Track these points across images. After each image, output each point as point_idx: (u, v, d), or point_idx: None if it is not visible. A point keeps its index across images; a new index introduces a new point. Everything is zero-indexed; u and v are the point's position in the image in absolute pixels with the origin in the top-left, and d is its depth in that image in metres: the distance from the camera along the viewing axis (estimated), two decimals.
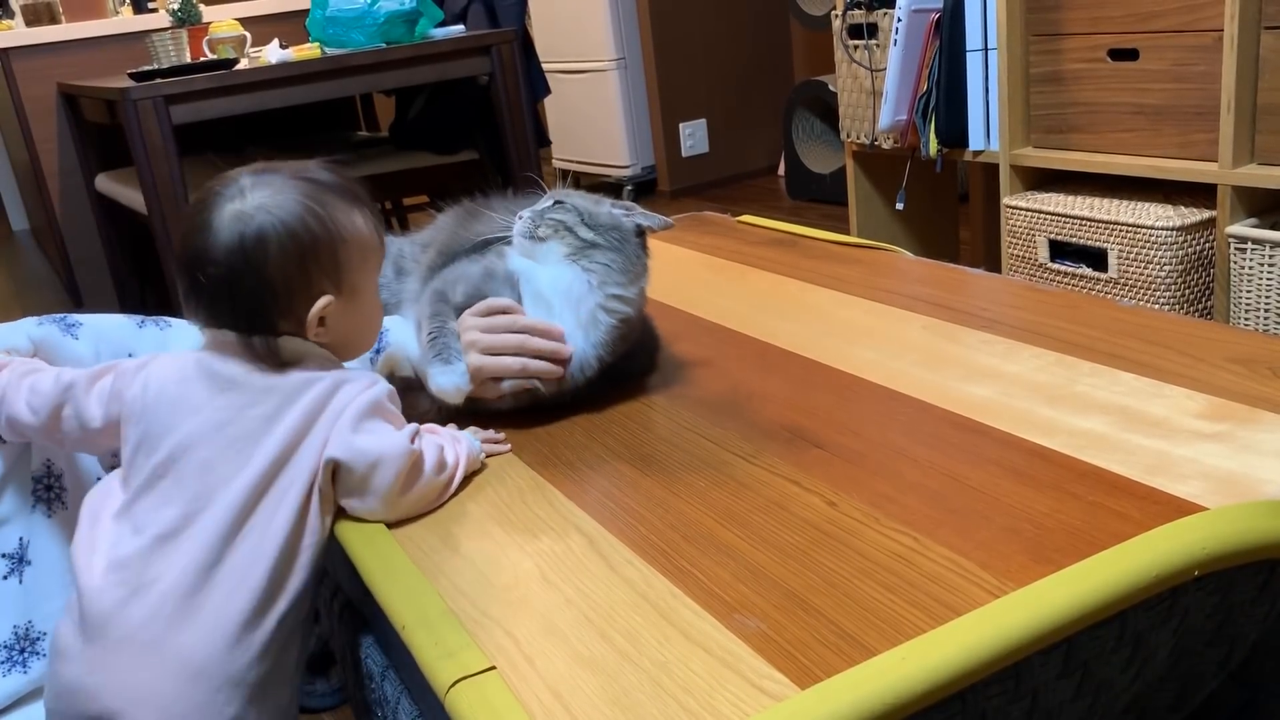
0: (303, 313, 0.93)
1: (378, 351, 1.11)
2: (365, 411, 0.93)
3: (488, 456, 1.03)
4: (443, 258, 1.21)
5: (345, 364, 1.00)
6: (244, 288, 0.91)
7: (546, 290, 1.08)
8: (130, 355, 1.15)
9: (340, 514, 0.95)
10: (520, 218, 1.10)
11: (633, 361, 1.17)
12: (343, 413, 0.92)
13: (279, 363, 0.94)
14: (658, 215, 1.12)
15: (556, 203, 1.10)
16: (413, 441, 0.93)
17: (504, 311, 1.09)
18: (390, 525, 0.93)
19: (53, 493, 1.12)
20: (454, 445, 0.99)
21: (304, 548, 0.91)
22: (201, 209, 0.93)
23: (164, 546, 0.88)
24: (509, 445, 1.05)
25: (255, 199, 0.92)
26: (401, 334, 1.13)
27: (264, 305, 0.92)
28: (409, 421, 0.98)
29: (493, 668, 0.72)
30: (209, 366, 0.94)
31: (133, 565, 0.88)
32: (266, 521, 0.89)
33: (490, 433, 1.06)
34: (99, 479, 1.13)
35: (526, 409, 1.11)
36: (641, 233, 1.11)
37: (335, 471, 0.92)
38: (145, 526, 0.90)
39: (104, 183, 3.07)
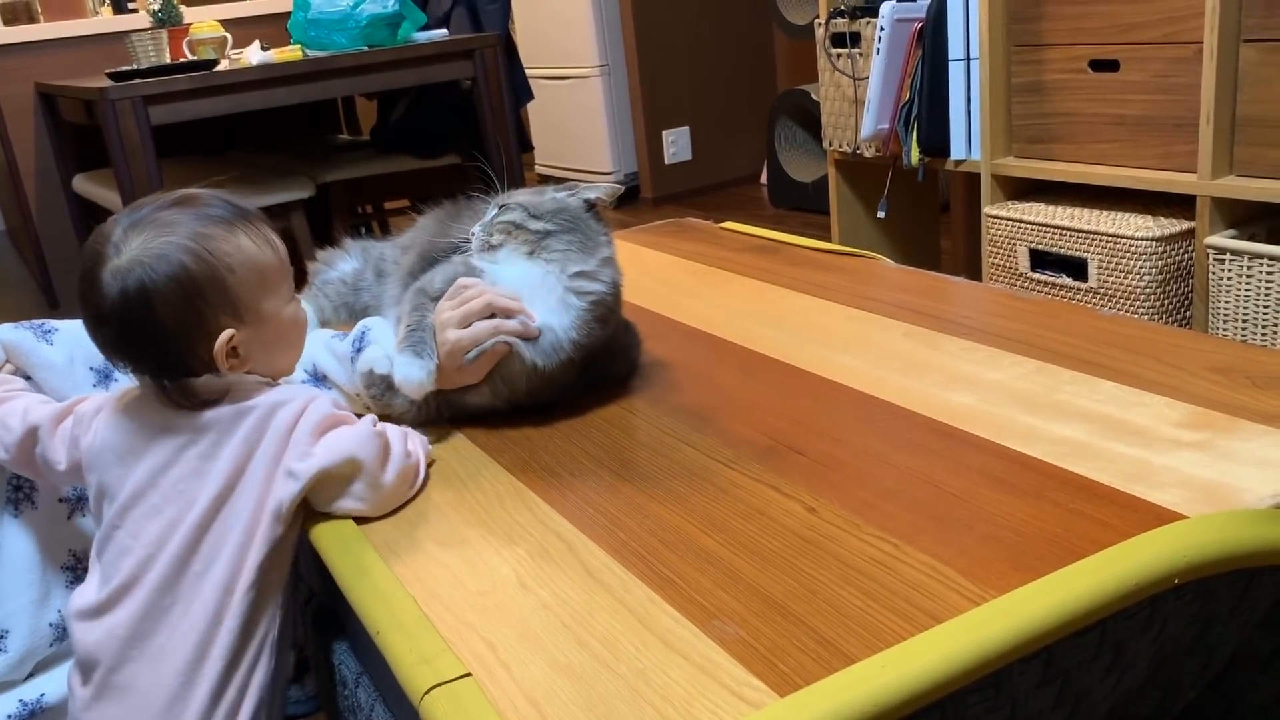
0: (207, 352, 0.92)
1: (358, 351, 1.10)
2: (317, 428, 0.93)
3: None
4: (423, 261, 1.20)
5: (286, 379, 1.00)
6: (140, 341, 0.92)
7: (514, 290, 1.07)
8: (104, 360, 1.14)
9: (310, 519, 0.94)
10: (473, 234, 1.10)
11: (614, 365, 1.16)
12: (291, 439, 0.92)
13: (199, 403, 0.93)
14: (602, 185, 1.12)
15: (501, 207, 1.10)
16: (374, 426, 0.95)
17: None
18: (364, 528, 0.92)
19: (21, 493, 1.11)
20: (409, 437, 1.00)
21: (254, 578, 0.90)
22: (86, 267, 0.92)
23: (123, 596, 0.91)
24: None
25: (129, 253, 0.90)
26: (382, 333, 1.12)
27: (166, 352, 0.92)
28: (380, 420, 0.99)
29: (468, 674, 0.71)
30: (143, 412, 0.95)
31: (101, 614, 0.91)
32: (210, 558, 0.90)
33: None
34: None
35: (505, 410, 1.10)
36: (591, 206, 1.11)
37: (312, 493, 0.93)
38: (110, 577, 0.92)
39: (81, 184, 3.04)
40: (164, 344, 0.91)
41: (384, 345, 1.10)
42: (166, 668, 0.89)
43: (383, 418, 1.07)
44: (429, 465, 1.02)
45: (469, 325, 1.04)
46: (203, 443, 0.92)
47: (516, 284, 1.07)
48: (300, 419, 0.93)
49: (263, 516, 0.91)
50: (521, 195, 1.12)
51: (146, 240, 0.90)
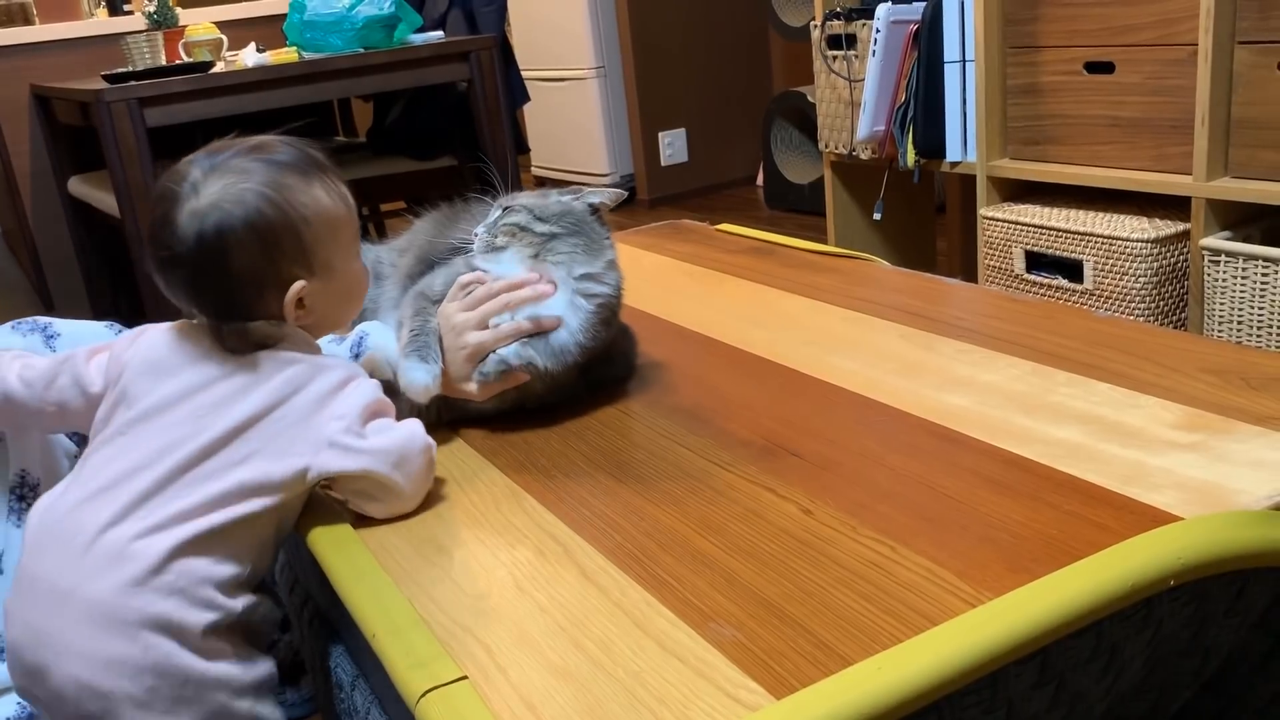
0: (276, 301, 0.92)
1: (356, 356, 1.10)
2: (368, 409, 0.93)
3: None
4: (421, 264, 1.20)
5: (320, 339, 1.00)
6: (211, 285, 0.91)
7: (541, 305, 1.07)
8: None
9: (306, 521, 0.94)
10: (476, 235, 1.10)
11: (611, 367, 1.17)
12: (330, 408, 0.91)
13: (250, 346, 0.93)
14: (606, 190, 1.12)
15: (505, 209, 1.10)
16: (424, 433, 0.95)
17: (477, 284, 1.09)
18: (360, 531, 0.92)
19: (25, 503, 1.10)
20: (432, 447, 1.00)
21: (246, 518, 0.88)
22: (160, 205, 0.91)
23: (96, 499, 0.87)
24: None
25: (209, 195, 0.90)
26: (381, 338, 1.12)
27: (234, 298, 0.92)
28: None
29: (464, 677, 0.71)
30: (191, 337, 0.94)
31: (60, 519, 0.88)
32: (201, 483, 0.87)
33: None
34: None
35: (509, 411, 1.10)
36: (595, 210, 1.12)
37: (345, 479, 0.92)
38: (89, 480, 0.89)
39: (77, 185, 3.04)
40: (233, 289, 0.91)
41: (384, 349, 1.10)
42: (115, 576, 0.84)
43: None
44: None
45: (486, 326, 1.05)
46: (237, 379, 0.91)
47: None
48: (344, 390, 0.92)
49: (274, 468, 0.89)
50: (525, 198, 1.12)
51: (227, 185, 0.90)
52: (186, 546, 0.86)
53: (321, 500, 0.98)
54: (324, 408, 0.91)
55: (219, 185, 0.90)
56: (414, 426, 0.95)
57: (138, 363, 0.94)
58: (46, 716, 0.89)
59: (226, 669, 0.87)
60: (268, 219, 0.90)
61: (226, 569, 0.88)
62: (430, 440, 0.96)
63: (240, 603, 0.89)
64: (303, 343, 0.96)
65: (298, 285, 0.92)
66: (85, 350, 1.00)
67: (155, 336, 0.96)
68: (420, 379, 1.03)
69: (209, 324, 0.93)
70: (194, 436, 0.89)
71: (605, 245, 1.11)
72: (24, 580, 0.88)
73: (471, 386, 1.07)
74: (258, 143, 0.95)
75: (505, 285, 1.06)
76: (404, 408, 1.08)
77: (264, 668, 0.91)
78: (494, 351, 1.05)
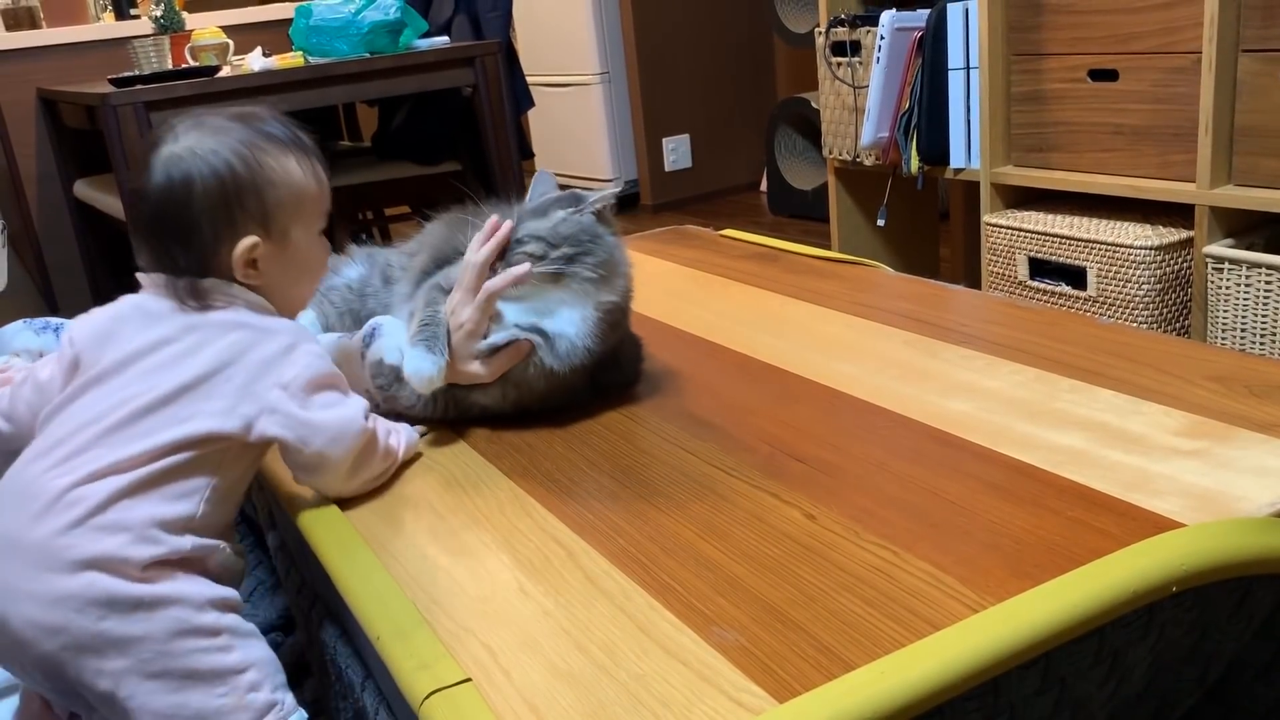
0: (229, 254, 0.95)
1: (368, 347, 1.11)
2: (313, 383, 0.94)
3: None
4: (435, 263, 1.20)
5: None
6: (171, 226, 0.94)
7: (537, 304, 1.08)
8: None
9: (309, 523, 0.95)
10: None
11: (620, 373, 1.17)
12: (276, 373, 0.93)
13: (203, 304, 0.95)
14: (603, 192, 1.12)
15: (516, 242, 1.08)
16: (366, 419, 0.96)
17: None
18: (365, 533, 0.92)
19: None
20: (396, 433, 1.03)
21: (187, 465, 0.89)
22: (147, 151, 0.96)
23: (45, 456, 0.88)
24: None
25: (186, 142, 0.95)
26: (394, 329, 1.13)
27: (190, 243, 0.94)
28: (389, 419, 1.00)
29: (468, 679, 0.71)
30: (141, 305, 0.97)
31: (12, 477, 0.89)
32: (143, 437, 0.88)
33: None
34: None
35: (508, 415, 1.11)
36: (599, 216, 1.12)
37: (284, 446, 0.93)
38: (41, 441, 0.90)
39: (82, 189, 3.05)
40: (191, 234, 0.94)
41: (396, 340, 1.10)
42: (55, 521, 0.84)
43: (388, 413, 1.08)
44: (415, 458, 1.05)
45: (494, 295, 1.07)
46: (187, 340, 0.93)
47: (548, 310, 1.08)
48: (289, 356, 0.94)
49: (217, 425, 0.90)
50: (531, 224, 1.10)
51: (204, 137, 0.95)
52: (126, 489, 0.86)
53: (324, 501, 0.98)
54: (269, 373, 0.93)
55: (197, 136, 0.95)
56: (356, 408, 0.96)
57: (85, 337, 0.96)
58: (14, 670, 0.88)
59: (177, 586, 0.86)
60: (235, 173, 0.94)
61: (169, 509, 0.87)
62: (372, 426, 0.97)
63: (188, 542, 0.88)
64: (256, 306, 0.97)
65: (250, 240, 0.95)
66: (40, 362, 1.01)
67: (99, 313, 0.98)
68: (425, 368, 1.04)
69: (164, 279, 0.95)
70: (142, 394, 0.90)
71: (617, 257, 1.11)
72: None
73: (477, 366, 1.07)
74: (248, 110, 1.00)
75: (481, 256, 1.07)
76: (408, 395, 1.09)
77: (226, 591, 0.89)
78: (494, 327, 1.07)
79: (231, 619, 0.88)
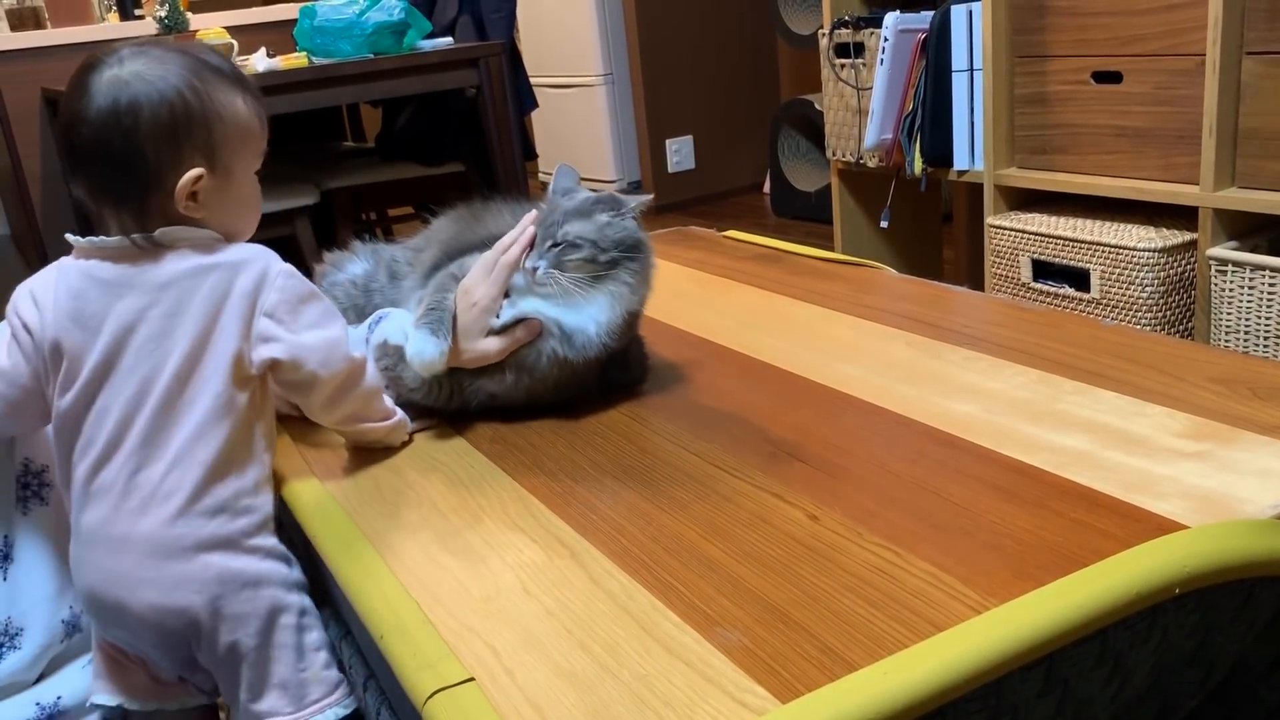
0: (172, 185, 0.94)
1: (371, 332, 1.12)
2: (294, 301, 0.95)
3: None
4: (445, 257, 1.20)
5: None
6: (114, 153, 0.92)
7: (573, 306, 1.08)
8: None
9: (312, 522, 0.95)
10: (532, 270, 1.07)
11: (629, 371, 1.17)
12: (262, 299, 0.94)
13: (153, 242, 0.94)
14: (637, 197, 1.13)
15: (566, 244, 1.07)
16: (354, 350, 0.99)
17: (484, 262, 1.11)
18: (367, 531, 0.92)
19: (30, 490, 1.12)
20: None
21: (239, 422, 0.94)
22: (81, 74, 0.93)
23: (111, 457, 0.92)
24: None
25: (133, 67, 0.93)
26: (400, 316, 1.14)
27: (133, 172, 0.93)
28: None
29: (471, 679, 0.71)
30: (90, 273, 0.95)
31: (89, 476, 0.93)
32: (189, 409, 0.92)
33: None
34: None
35: (511, 410, 1.11)
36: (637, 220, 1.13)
37: (277, 366, 0.95)
38: (93, 442, 0.93)
39: None
40: (135, 162, 0.92)
41: (401, 324, 1.11)
42: (159, 513, 0.91)
43: (394, 399, 1.09)
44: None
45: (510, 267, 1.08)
46: (166, 301, 0.93)
47: (577, 310, 1.08)
48: (265, 280, 0.94)
49: (233, 371, 0.93)
50: (577, 225, 1.08)
51: (152, 63, 0.93)
52: (211, 473, 0.92)
53: (326, 501, 0.98)
54: (254, 305, 0.94)
55: (144, 62, 0.93)
56: (341, 329, 0.98)
57: (56, 320, 0.94)
58: (135, 647, 0.98)
59: (273, 566, 0.95)
60: (185, 103, 0.93)
61: (250, 475, 0.95)
62: (360, 357, 1.00)
63: (268, 498, 0.96)
64: (207, 241, 0.96)
65: (195, 171, 0.94)
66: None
67: (43, 289, 0.96)
68: (427, 350, 1.04)
69: (101, 242, 0.94)
70: (158, 371, 0.92)
71: (650, 265, 1.13)
72: (83, 534, 0.94)
73: (486, 344, 1.07)
74: (190, 44, 1.00)
75: (512, 255, 1.09)
76: (412, 378, 1.09)
77: (298, 571, 0.98)
78: (507, 302, 1.08)
79: (309, 600, 0.96)
